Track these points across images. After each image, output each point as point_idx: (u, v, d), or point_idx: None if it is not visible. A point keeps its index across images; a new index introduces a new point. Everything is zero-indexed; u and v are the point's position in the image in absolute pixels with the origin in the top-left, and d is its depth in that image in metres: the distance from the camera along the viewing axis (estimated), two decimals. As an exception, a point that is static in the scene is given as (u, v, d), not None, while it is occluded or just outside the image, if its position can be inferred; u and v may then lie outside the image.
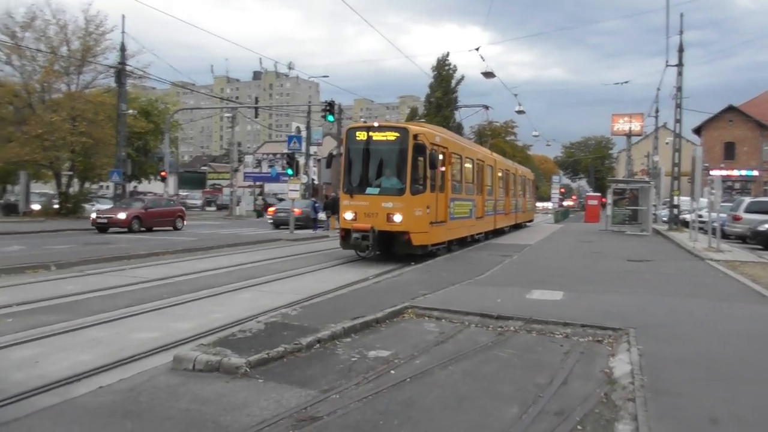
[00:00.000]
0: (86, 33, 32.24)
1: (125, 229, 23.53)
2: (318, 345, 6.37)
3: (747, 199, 23.86)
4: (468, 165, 18.95)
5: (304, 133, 42.96)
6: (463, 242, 18.45)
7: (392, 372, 5.59)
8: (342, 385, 5.16)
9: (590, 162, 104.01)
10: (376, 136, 14.60)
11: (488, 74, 26.44)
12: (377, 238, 14.11)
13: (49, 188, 37.59)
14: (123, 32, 30.45)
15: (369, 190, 14.47)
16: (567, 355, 6.33)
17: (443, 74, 60.27)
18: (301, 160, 42.52)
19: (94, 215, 24.70)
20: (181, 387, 5.05)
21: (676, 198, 28.92)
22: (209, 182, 75.36)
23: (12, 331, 7.08)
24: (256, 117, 40.74)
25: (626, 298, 9.33)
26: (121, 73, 30.78)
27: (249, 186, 59.52)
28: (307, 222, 27.81)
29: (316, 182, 44.76)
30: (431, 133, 15.28)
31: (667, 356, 5.91)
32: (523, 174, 33.08)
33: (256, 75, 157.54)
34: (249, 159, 70.16)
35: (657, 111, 40.86)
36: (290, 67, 46.88)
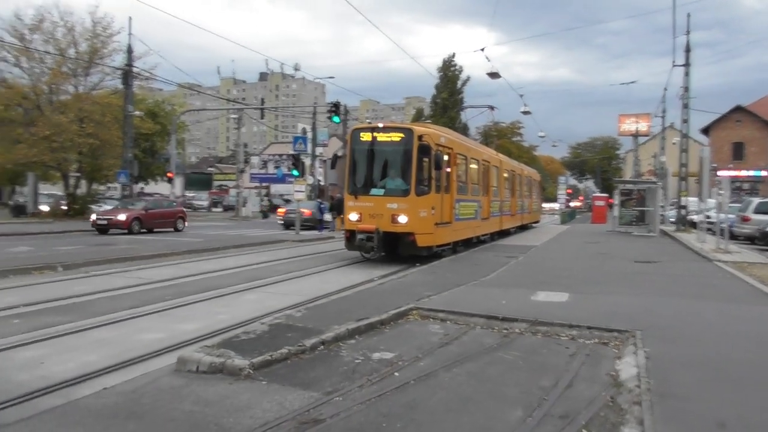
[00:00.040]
0: (93, 35, 32.39)
1: (125, 231, 23.34)
2: (322, 347, 6.35)
3: (756, 200, 23.67)
4: (473, 166, 18.90)
5: (309, 134, 42.98)
6: (468, 243, 18.39)
7: (396, 374, 5.57)
8: (345, 387, 5.14)
9: (597, 163, 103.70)
10: (381, 137, 14.57)
11: (494, 75, 26.38)
12: (382, 240, 14.08)
13: (58, 189, 37.76)
14: (130, 34, 30.58)
15: (374, 191, 14.44)
16: (572, 357, 6.29)
17: (449, 75, 60.18)
18: (307, 161, 42.54)
19: (94, 216, 24.50)
20: (185, 389, 5.05)
21: (683, 199, 28.75)
22: (216, 183, 75.51)
23: (18, 332, 7.11)
24: (262, 118, 40.81)
25: (633, 299, 9.27)
26: (127, 74, 30.92)
27: (255, 187, 59.65)
28: (315, 223, 27.95)
29: (322, 183, 44.74)
30: (436, 133, 15.25)
31: (674, 359, 5.86)
32: (529, 175, 32.97)
33: (263, 76, 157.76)
34: (255, 160, 70.27)
35: (664, 111, 40.67)
36: (296, 69, 46.84)
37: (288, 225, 29.43)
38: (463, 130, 46.85)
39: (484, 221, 20.00)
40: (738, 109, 54.57)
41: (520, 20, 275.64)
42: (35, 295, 9.54)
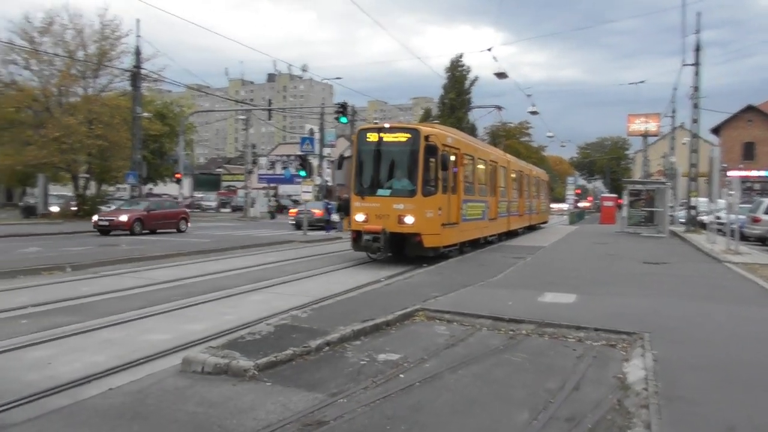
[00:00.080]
0: (102, 37, 32.61)
1: (127, 232, 23.11)
2: (327, 348, 6.33)
3: (766, 201, 23.45)
4: (481, 166, 18.85)
5: (317, 135, 43.04)
6: (475, 244, 18.33)
7: (401, 376, 5.55)
8: (350, 388, 5.13)
9: (606, 163, 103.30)
10: (387, 138, 14.56)
11: (501, 75, 26.30)
12: (388, 240, 14.06)
13: (67, 190, 38.04)
14: (138, 36, 30.73)
15: (380, 191, 14.42)
16: (579, 359, 6.25)
17: (457, 75, 60.12)
18: (315, 162, 42.61)
19: (95, 217, 24.31)
20: (189, 389, 5.05)
21: (693, 199, 28.56)
22: (224, 184, 75.80)
23: (27, 332, 7.15)
24: (269, 119, 40.88)
25: (641, 301, 9.20)
26: (136, 76, 31.09)
27: (263, 188, 59.82)
28: (323, 223, 28.15)
29: (329, 184, 44.78)
30: (443, 134, 15.22)
31: (682, 361, 5.80)
32: (537, 175, 32.86)
33: (271, 77, 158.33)
34: (263, 161, 70.49)
35: (674, 111, 40.46)
36: (304, 69, 47.16)
37: (299, 225, 29.57)
38: (471, 130, 46.81)
39: (491, 222, 19.94)
40: (749, 109, 54.18)
41: (527, 20, 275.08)
42: (44, 296, 9.60)
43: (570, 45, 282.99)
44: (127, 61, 32.39)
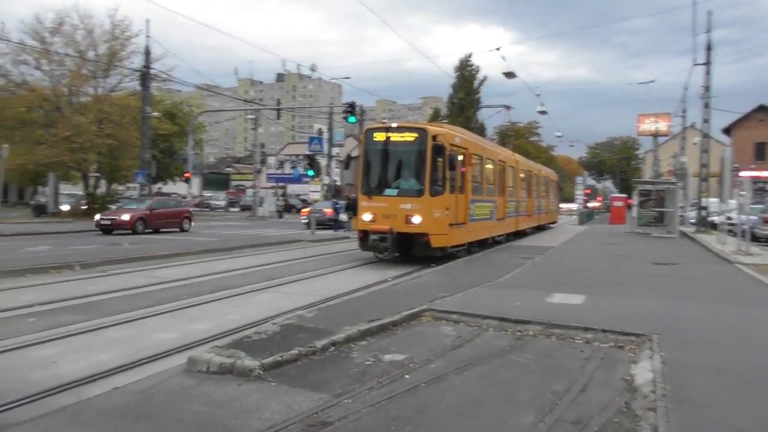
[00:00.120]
0: (112, 37, 32.80)
1: (129, 231, 22.90)
2: (333, 348, 6.31)
3: (778, 201, 23.25)
4: (489, 166, 18.78)
5: (326, 135, 43.08)
6: (483, 244, 18.26)
7: (407, 376, 5.52)
8: (355, 389, 5.10)
9: (616, 163, 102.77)
10: (395, 137, 14.52)
11: (509, 74, 26.19)
12: (396, 240, 14.02)
13: (78, 189, 38.31)
14: (147, 36, 30.89)
15: (387, 191, 14.38)
16: (587, 361, 6.19)
17: (466, 75, 60.04)
18: (324, 162, 42.66)
19: (98, 216, 24.05)
20: (194, 389, 5.04)
21: (704, 199, 28.33)
22: (233, 183, 76.05)
23: (33, 331, 7.17)
24: (278, 119, 40.93)
25: (650, 302, 9.11)
26: (145, 76, 31.23)
27: (272, 187, 59.94)
28: (331, 222, 28.21)
29: (338, 183, 44.82)
30: (450, 133, 15.16)
31: (691, 364, 5.74)
32: (546, 175, 32.72)
33: (280, 77, 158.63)
34: (272, 160, 70.65)
35: (684, 111, 40.13)
36: (313, 69, 47.18)
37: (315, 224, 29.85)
38: (480, 130, 46.71)
39: (499, 222, 19.86)
40: (761, 109, 53.65)
41: (536, 19, 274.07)
42: (52, 294, 9.64)
43: (579, 44, 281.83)
44: (137, 61, 32.63)
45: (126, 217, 23.23)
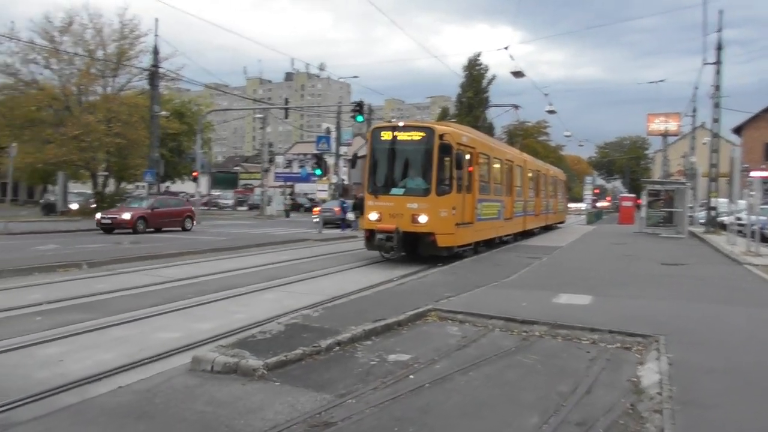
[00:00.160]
0: (121, 36, 32.95)
1: (130, 230, 22.61)
2: (337, 347, 6.30)
3: (788, 201, 23.00)
4: (496, 165, 18.71)
5: (334, 134, 43.09)
6: (491, 244, 18.21)
7: (411, 377, 5.50)
8: (359, 389, 5.09)
9: (625, 162, 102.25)
10: (402, 136, 14.48)
11: (517, 73, 26.09)
12: (402, 239, 13.99)
13: (87, 188, 38.53)
14: (156, 35, 31.01)
15: (394, 190, 14.35)
16: (593, 362, 6.15)
17: (474, 74, 59.95)
18: (331, 161, 42.68)
19: (98, 215, 23.72)
20: (198, 388, 5.04)
21: (713, 200, 28.12)
22: (241, 182, 76.22)
23: (40, 329, 7.20)
24: (286, 118, 41.00)
25: (658, 303, 9.05)
26: (154, 75, 31.34)
27: (280, 186, 60.03)
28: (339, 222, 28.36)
29: (345, 182, 44.82)
30: (457, 133, 15.11)
31: (698, 366, 5.68)
32: (554, 174, 32.58)
33: (288, 76, 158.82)
34: (280, 159, 70.77)
35: (694, 110, 39.86)
36: (321, 68, 47.24)
37: (323, 223, 29.85)
38: (489, 129, 46.57)
39: (507, 221, 19.79)
40: (772, 108, 53.10)
41: (545, 18, 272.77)
42: (59, 293, 9.68)
43: (589, 43, 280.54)
44: (146, 60, 32.78)
45: (127, 216, 22.97)
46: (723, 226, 26.44)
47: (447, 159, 14.11)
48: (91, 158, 32.80)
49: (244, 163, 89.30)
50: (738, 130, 54.99)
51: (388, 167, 14.65)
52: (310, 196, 56.84)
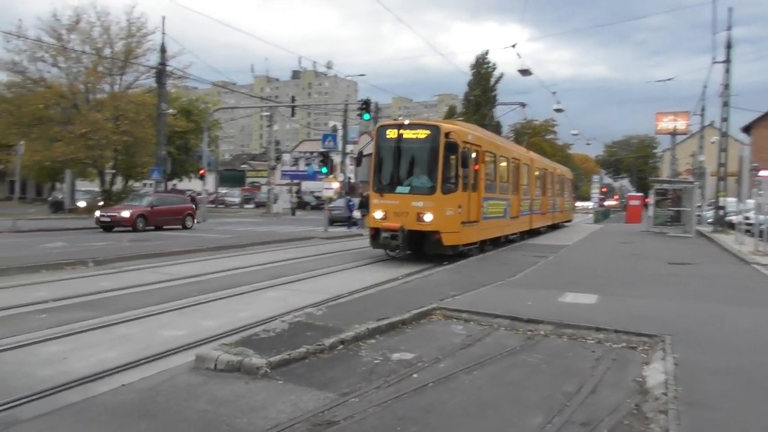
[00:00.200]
0: (129, 34, 33.03)
1: (130, 228, 22.23)
2: (341, 346, 6.28)
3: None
4: (503, 164, 18.64)
5: (341, 132, 43.08)
6: (497, 242, 18.16)
7: (415, 376, 5.47)
8: (362, 388, 5.07)
9: (633, 161, 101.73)
10: (407, 134, 14.43)
11: (524, 71, 25.93)
12: (407, 238, 13.95)
13: (95, 186, 38.68)
14: (163, 33, 31.07)
15: (399, 188, 14.31)
16: (598, 361, 6.10)
17: (482, 72, 59.84)
18: (338, 159, 42.67)
19: (98, 213, 23.29)
20: (201, 387, 5.03)
21: (721, 199, 27.93)
22: (248, 180, 76.34)
23: (44, 327, 7.22)
24: (292, 116, 41.01)
25: (664, 302, 8.99)
26: (161, 73, 31.39)
27: (286, 184, 60.10)
28: (344, 220, 28.57)
29: (352, 180, 44.80)
30: (463, 131, 15.05)
31: (704, 366, 5.63)
32: (561, 173, 32.46)
33: (295, 74, 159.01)
34: (286, 157, 70.81)
35: (703, 109, 39.52)
36: (329, 66, 47.33)
37: (332, 221, 29.93)
38: (496, 127, 46.42)
39: (513, 220, 19.72)
40: (781, 107, 52.67)
41: (555, 16, 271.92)
42: (64, 290, 9.71)
43: (597, 41, 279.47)
44: (153, 59, 32.83)
45: (126, 213, 22.61)
46: (731, 226, 26.28)
47: (453, 157, 14.06)
48: (98, 156, 32.93)
49: (251, 161, 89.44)
50: (747, 129, 54.58)
51: (394, 165, 14.62)
52: (316, 194, 56.89)
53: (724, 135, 27.74)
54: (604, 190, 75.34)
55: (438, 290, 9.59)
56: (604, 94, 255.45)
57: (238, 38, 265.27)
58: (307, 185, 63.20)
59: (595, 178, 74.22)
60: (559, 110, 37.10)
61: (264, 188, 56.01)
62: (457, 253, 14.52)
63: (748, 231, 19.55)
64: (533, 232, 23.75)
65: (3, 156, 34.02)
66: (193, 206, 27.77)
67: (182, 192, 40.40)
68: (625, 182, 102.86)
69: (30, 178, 44.17)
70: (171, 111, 33.92)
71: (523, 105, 29.48)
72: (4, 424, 4.27)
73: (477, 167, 15.47)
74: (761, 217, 17.22)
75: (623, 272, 12.56)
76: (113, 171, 36.30)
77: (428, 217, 13.80)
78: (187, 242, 17.97)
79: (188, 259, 14.76)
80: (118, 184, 36.94)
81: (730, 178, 27.88)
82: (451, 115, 62.91)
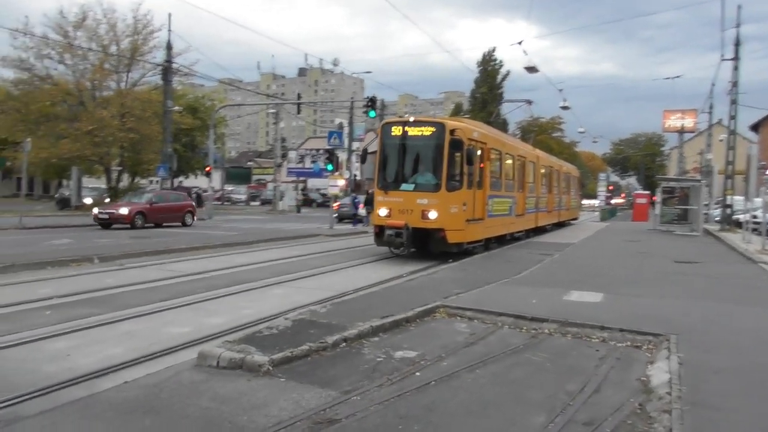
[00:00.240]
0: (135, 32, 33.14)
1: (128, 225, 21.98)
2: (344, 344, 6.27)
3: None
4: (508, 161, 18.58)
5: (347, 129, 43.08)
6: (502, 240, 18.11)
7: (417, 374, 5.46)
8: (364, 386, 5.06)
9: (640, 159, 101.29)
10: (412, 131, 14.40)
11: (531, 69, 25.85)
12: (411, 235, 13.93)
13: (101, 183, 38.84)
14: (169, 30, 31.13)
15: (404, 186, 14.28)
16: (602, 360, 6.08)
17: (489, 70, 59.66)
18: (344, 156, 42.70)
19: (96, 210, 23.03)
20: (203, 384, 5.03)
21: (729, 197, 27.78)
22: (254, 177, 76.45)
23: (49, 324, 7.24)
24: (298, 113, 41.03)
25: (670, 301, 8.94)
26: (167, 70, 31.45)
27: (292, 181, 60.13)
28: (350, 217, 28.80)
29: (358, 178, 44.82)
30: (468, 128, 15.00)
31: (709, 365, 5.60)
32: (567, 171, 32.35)
33: (302, 71, 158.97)
34: (292, 154, 70.83)
35: (711, 107, 39.26)
36: (335, 64, 47.23)
37: (342, 218, 30.33)
38: (502, 125, 46.31)
39: (518, 218, 19.67)
40: (790, 104, 52.30)
41: (562, 13, 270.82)
42: (70, 287, 9.75)
43: (604, 39, 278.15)
44: (159, 56, 32.97)
45: (124, 211, 22.34)
46: (738, 224, 26.14)
47: (458, 154, 14.02)
48: (104, 153, 33.08)
49: (257, 158, 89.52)
50: (756, 127, 54.22)
51: (398, 163, 14.59)
52: (322, 192, 56.94)
53: (732, 133, 27.57)
54: (611, 188, 75.17)
55: (442, 288, 9.57)
56: (612, 92, 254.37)
57: (244, 35, 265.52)
58: (313, 182, 63.22)
59: (602, 176, 74.09)
60: (565, 107, 37.00)
61: (270, 185, 56.06)
62: (461, 251, 14.49)
63: (755, 230, 19.45)
64: (539, 230, 23.68)
65: (10, 153, 34.14)
66: (193, 203, 27.58)
67: (188, 189, 40.47)
68: (632, 180, 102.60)
69: (37, 175, 44.34)
70: (177, 108, 33.98)
71: (529, 102, 29.44)
72: (5, 421, 4.28)
73: (482, 165, 15.43)
74: (769, 215, 17.10)
75: (629, 271, 12.50)
76: (119, 168, 36.46)
77: (433, 215, 13.77)
78: (191, 239, 17.98)
79: (193, 256, 14.79)
80: (125, 181, 37.11)
81: (738, 176, 27.74)
82: (457, 112, 62.81)
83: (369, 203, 26.72)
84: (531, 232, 22.26)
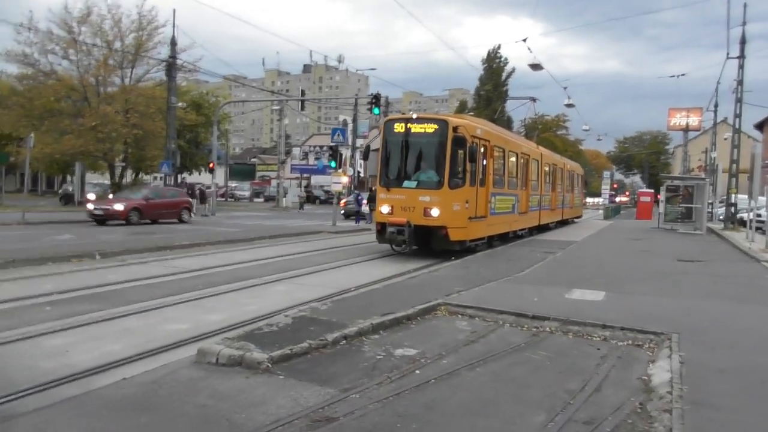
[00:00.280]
0: (139, 27, 33.15)
1: (123, 221, 21.73)
2: (344, 341, 6.25)
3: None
4: (512, 159, 18.51)
5: (350, 126, 43.03)
6: (504, 238, 18.05)
7: (417, 372, 5.43)
8: (364, 384, 5.03)
9: (644, 157, 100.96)
10: (415, 129, 14.34)
11: (535, 66, 25.78)
12: (413, 233, 13.88)
13: (105, 179, 38.89)
14: (174, 26, 31.13)
15: (406, 183, 14.22)
16: (603, 359, 6.04)
17: (494, 67, 59.57)
18: (348, 153, 42.68)
19: (90, 206, 22.67)
20: (202, 381, 5.01)
21: (733, 196, 27.65)
22: (258, 174, 76.49)
23: (49, 320, 7.21)
24: (302, 110, 41.01)
25: (672, 300, 8.89)
26: (171, 66, 31.43)
27: (296, 178, 60.20)
28: (353, 214, 28.89)
29: (361, 175, 44.83)
30: (472, 125, 14.94)
31: (711, 365, 5.56)
32: (571, 169, 32.24)
33: (306, 68, 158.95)
34: (296, 151, 70.90)
35: (716, 105, 39.14)
36: (339, 60, 47.22)
37: (348, 215, 30.43)
38: (507, 122, 46.24)
39: (521, 215, 19.60)
40: (796, 103, 52.04)
41: (567, 11, 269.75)
42: (70, 283, 9.73)
43: (610, 36, 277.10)
44: (164, 52, 32.92)
45: (119, 206, 22.06)
46: (742, 223, 26.00)
47: (460, 152, 13.96)
48: (108, 149, 33.09)
49: (261, 155, 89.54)
50: (760, 126, 53.83)
51: (401, 160, 14.54)
52: (326, 189, 56.98)
53: (737, 132, 27.43)
54: (615, 186, 74.95)
55: (444, 286, 9.54)
56: (617, 90, 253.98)
57: (248, 32, 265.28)
58: (316, 179, 63.26)
59: (606, 174, 73.81)
60: (570, 105, 36.92)
61: (274, 182, 56.10)
62: (464, 249, 14.44)
63: (759, 228, 19.35)
64: (542, 228, 23.62)
65: (14, 148, 34.22)
66: (190, 200, 27.24)
67: (192, 186, 40.47)
68: (636, 178, 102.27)
69: (40, 170, 44.51)
70: (181, 104, 33.99)
71: (533, 100, 29.27)
72: (2, 418, 4.25)
73: (485, 162, 15.37)
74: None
75: (632, 269, 12.45)
76: (123, 164, 36.50)
77: (435, 212, 13.72)
78: (190, 236, 17.94)
79: (195, 252, 14.77)
80: (128, 177, 37.13)
81: (742, 175, 27.58)
82: (462, 109, 62.72)
83: (372, 200, 26.72)
84: (534, 229, 22.20)
